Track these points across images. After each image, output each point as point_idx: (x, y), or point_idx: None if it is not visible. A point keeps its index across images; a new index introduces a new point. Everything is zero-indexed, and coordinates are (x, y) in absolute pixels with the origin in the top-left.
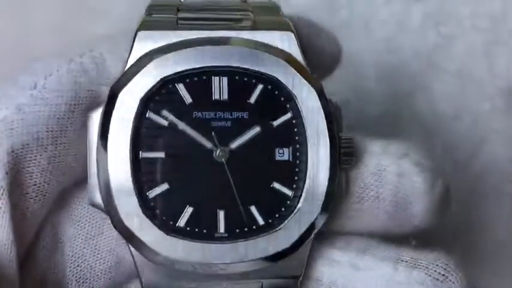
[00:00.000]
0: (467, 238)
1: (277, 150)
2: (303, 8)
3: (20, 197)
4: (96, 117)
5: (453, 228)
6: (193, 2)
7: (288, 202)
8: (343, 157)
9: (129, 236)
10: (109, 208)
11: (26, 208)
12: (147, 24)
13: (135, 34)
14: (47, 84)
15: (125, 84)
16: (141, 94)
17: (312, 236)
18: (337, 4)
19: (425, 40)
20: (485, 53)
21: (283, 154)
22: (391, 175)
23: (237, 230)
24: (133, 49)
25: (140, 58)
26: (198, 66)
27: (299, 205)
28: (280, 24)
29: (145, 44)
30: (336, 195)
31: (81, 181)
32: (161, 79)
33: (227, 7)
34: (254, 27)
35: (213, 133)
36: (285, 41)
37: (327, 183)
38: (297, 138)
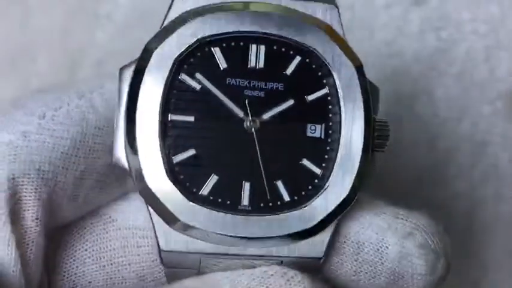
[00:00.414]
0: (468, 242)
1: (309, 126)
2: None
3: (23, 227)
4: (127, 73)
5: (454, 231)
6: None
7: (316, 181)
8: (377, 140)
9: (150, 198)
10: (133, 167)
11: (30, 241)
12: None
13: None
14: (56, 116)
15: (161, 41)
16: (177, 53)
17: (337, 219)
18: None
19: (425, 44)
20: (485, 57)
21: (315, 130)
22: (393, 254)
23: (261, 204)
24: (171, 8)
25: (178, 17)
26: (236, 30)
27: (327, 185)
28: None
29: (184, 4)
30: (366, 178)
31: (75, 221)
32: (198, 40)
33: None
34: None
35: (246, 102)
36: (327, 15)
37: (357, 165)
38: (330, 115)
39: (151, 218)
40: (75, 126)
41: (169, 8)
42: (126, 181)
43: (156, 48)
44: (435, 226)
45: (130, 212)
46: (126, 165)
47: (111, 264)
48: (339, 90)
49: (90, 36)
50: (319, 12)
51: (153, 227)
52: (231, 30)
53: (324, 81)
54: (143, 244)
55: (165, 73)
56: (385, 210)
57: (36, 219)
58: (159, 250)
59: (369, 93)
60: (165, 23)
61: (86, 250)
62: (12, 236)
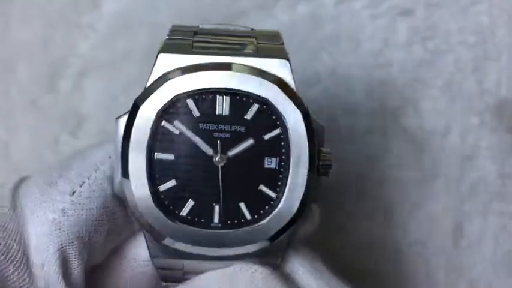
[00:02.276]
0: (456, 255)
1: (266, 159)
2: (289, 23)
3: (72, 283)
4: (122, 122)
5: (440, 245)
6: (209, 28)
7: (272, 202)
8: (322, 168)
9: (142, 222)
10: (128, 197)
11: None
12: (167, 47)
13: (157, 56)
14: (82, 192)
15: (145, 98)
16: (158, 107)
17: (289, 230)
18: (323, 19)
19: (412, 55)
20: (473, 68)
21: (271, 163)
22: None
23: (229, 222)
24: (154, 68)
25: (159, 77)
26: (205, 87)
27: (280, 205)
28: (278, 51)
29: (164, 65)
30: (311, 198)
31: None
32: (175, 96)
33: (236, 34)
34: (256, 53)
35: (218, 142)
36: (280, 67)
37: (303, 188)
38: (283, 150)
39: (144, 236)
40: (98, 197)
41: (153, 67)
42: (133, 225)
43: (143, 103)
44: None
45: (136, 248)
46: (122, 195)
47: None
48: (289, 131)
49: (72, 46)
50: (274, 66)
51: (146, 241)
52: (201, 87)
53: (277, 123)
54: (147, 270)
55: (150, 122)
56: (322, 275)
57: (80, 274)
58: (151, 257)
59: (313, 131)
60: (149, 80)
61: (109, 279)
62: None
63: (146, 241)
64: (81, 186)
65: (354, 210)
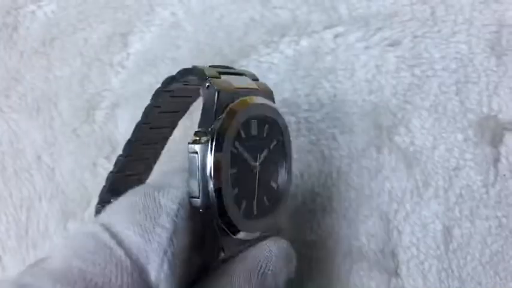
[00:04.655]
0: (446, 258)
1: (278, 164)
2: (294, 56)
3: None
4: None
5: (432, 247)
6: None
7: (278, 193)
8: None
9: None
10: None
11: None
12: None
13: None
14: (180, 212)
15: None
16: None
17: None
18: (323, 51)
19: (401, 80)
20: (456, 91)
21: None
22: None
23: (260, 212)
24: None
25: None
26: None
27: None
28: (270, 93)
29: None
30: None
31: None
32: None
33: (251, 89)
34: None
35: (258, 155)
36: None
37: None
38: (286, 152)
39: (219, 236)
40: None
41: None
42: None
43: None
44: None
45: None
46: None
47: None
48: (285, 139)
49: (105, 82)
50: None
51: (218, 233)
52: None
53: (280, 133)
54: None
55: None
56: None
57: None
58: (224, 252)
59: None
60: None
61: None
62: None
63: (220, 240)
64: (179, 209)
65: (355, 216)
